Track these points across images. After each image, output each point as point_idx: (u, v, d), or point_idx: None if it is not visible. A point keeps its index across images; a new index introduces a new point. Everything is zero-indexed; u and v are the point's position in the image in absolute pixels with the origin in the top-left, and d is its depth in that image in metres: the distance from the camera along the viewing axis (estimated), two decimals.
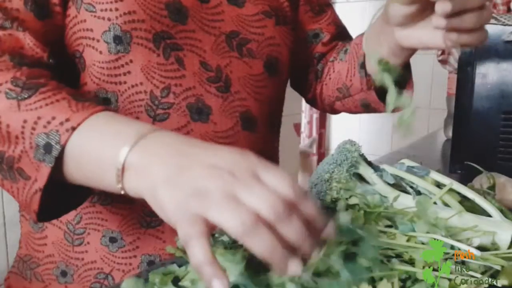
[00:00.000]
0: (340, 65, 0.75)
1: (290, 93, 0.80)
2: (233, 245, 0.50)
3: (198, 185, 0.36)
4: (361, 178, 0.55)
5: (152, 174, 0.39)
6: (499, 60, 0.81)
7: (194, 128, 0.61)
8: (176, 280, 0.46)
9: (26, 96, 0.47)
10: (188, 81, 0.60)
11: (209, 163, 0.38)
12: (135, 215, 0.61)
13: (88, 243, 0.62)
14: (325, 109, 0.84)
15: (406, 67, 0.68)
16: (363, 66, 0.69)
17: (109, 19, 0.55)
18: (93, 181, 0.46)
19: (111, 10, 0.55)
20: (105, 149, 0.43)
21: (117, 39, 0.56)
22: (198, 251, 0.35)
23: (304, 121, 2.57)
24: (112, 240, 0.62)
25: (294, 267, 0.36)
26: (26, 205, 0.48)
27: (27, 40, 0.53)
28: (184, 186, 0.37)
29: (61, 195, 0.50)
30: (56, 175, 0.46)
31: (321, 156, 2.57)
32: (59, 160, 0.45)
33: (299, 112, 2.55)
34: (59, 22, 0.57)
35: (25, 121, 0.46)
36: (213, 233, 0.53)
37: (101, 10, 0.55)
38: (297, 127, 2.56)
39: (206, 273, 0.35)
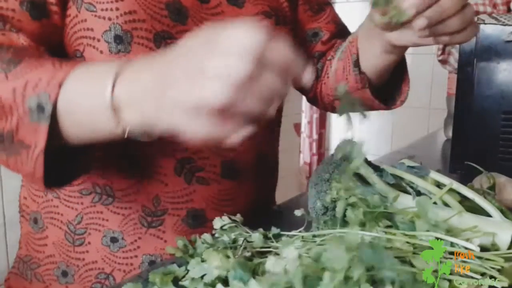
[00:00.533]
0: (337, 63, 0.75)
1: (290, 93, 0.80)
2: (233, 245, 0.50)
3: (166, 80, 0.38)
4: (361, 178, 0.55)
5: (135, 100, 0.41)
6: (499, 60, 0.81)
7: None
8: (176, 280, 0.46)
9: (12, 68, 0.47)
10: None
11: (170, 57, 0.39)
12: (136, 215, 0.61)
13: (89, 243, 0.62)
14: (326, 108, 0.85)
15: (401, 64, 0.69)
16: (356, 64, 0.69)
17: (109, 19, 0.55)
18: (93, 132, 0.46)
19: (111, 9, 0.55)
20: (91, 96, 0.44)
21: (118, 39, 0.56)
22: (194, 129, 0.37)
23: (304, 121, 2.57)
24: (113, 240, 0.62)
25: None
26: (32, 176, 0.48)
27: (21, 40, 0.53)
28: (156, 89, 0.39)
29: (67, 162, 0.51)
30: (57, 140, 0.47)
31: (322, 156, 2.57)
32: (55, 121, 0.46)
33: (299, 112, 2.55)
34: (57, 22, 0.57)
35: (14, 89, 0.46)
36: (213, 233, 0.53)
37: (102, 10, 0.55)
38: (297, 127, 2.56)
39: (215, 137, 0.38)
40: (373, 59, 0.67)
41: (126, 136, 0.44)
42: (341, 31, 0.81)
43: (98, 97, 0.43)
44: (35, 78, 0.46)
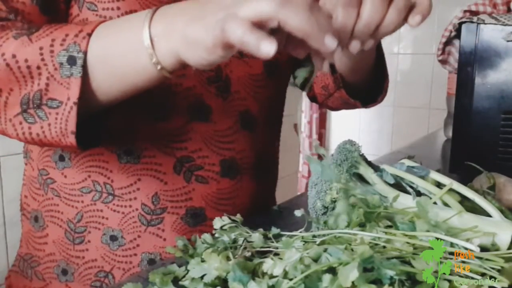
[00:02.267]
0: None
1: (290, 93, 0.80)
2: (233, 245, 0.50)
3: (221, 4, 0.39)
4: (361, 178, 0.55)
5: (178, 26, 0.42)
6: (499, 60, 0.81)
7: (194, 127, 0.61)
8: (176, 280, 0.46)
9: (34, 31, 0.48)
10: (188, 80, 0.60)
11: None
12: (135, 213, 0.61)
13: (89, 241, 0.62)
14: (323, 106, 0.86)
15: (380, 61, 0.70)
16: (332, 65, 0.70)
17: (110, 18, 0.55)
18: (128, 76, 0.47)
19: (112, 9, 0.55)
20: (127, 38, 0.45)
21: None
22: (235, 27, 0.37)
23: (304, 121, 2.57)
24: (113, 238, 0.62)
25: (330, 41, 0.39)
26: (62, 134, 0.48)
27: None
28: (209, 12, 0.40)
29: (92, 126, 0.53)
30: (86, 98, 0.47)
31: (321, 156, 2.57)
32: (86, 72, 0.46)
33: (299, 112, 2.55)
34: (63, 20, 0.57)
35: (41, 48, 0.46)
36: (213, 233, 0.53)
37: (103, 9, 0.55)
38: (297, 127, 2.56)
39: (251, 41, 0.37)
40: (343, 59, 0.67)
41: (160, 71, 0.45)
42: None
43: (135, 34, 0.44)
44: (61, 34, 0.47)
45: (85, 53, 0.45)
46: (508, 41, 0.80)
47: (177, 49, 0.43)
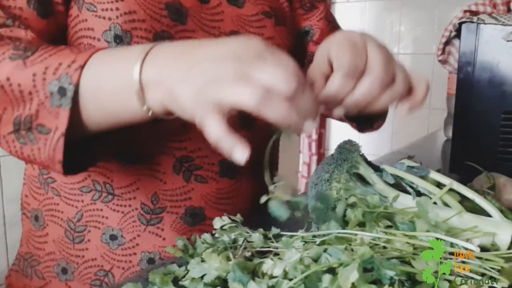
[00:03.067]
0: None
1: None
2: (233, 245, 0.50)
3: (210, 75, 0.39)
4: (361, 178, 0.55)
5: (167, 80, 0.42)
6: (499, 60, 0.81)
7: (193, 127, 0.61)
8: (176, 280, 0.46)
9: (29, 54, 0.48)
10: None
11: (217, 54, 0.40)
12: (135, 212, 0.61)
13: (89, 240, 0.63)
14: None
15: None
16: None
17: (109, 19, 0.55)
18: (118, 114, 0.47)
19: (111, 9, 0.55)
20: (118, 75, 0.45)
21: (118, 39, 0.56)
22: (214, 126, 0.38)
23: None
24: (112, 237, 0.62)
25: (309, 127, 0.41)
26: (50, 160, 0.48)
27: (29, 37, 0.54)
28: (197, 79, 0.40)
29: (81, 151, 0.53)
30: (77, 127, 0.48)
31: (321, 156, 2.57)
32: (76, 104, 0.46)
33: None
34: (62, 22, 0.57)
35: (34, 75, 0.47)
36: (213, 233, 0.53)
37: (102, 10, 0.55)
38: None
39: (225, 145, 0.38)
40: None
41: (150, 115, 0.45)
42: (333, 29, 0.80)
43: (125, 75, 0.44)
44: (55, 63, 0.46)
45: (76, 86, 0.45)
46: (508, 41, 0.80)
47: (165, 102, 0.43)
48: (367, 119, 0.73)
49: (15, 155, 0.50)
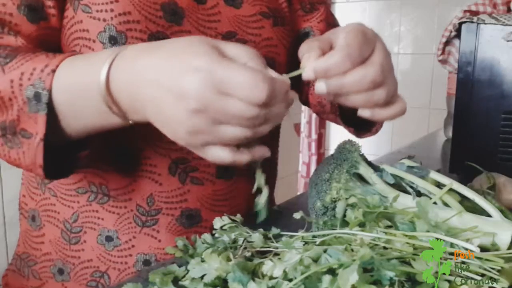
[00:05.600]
0: None
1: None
2: (233, 245, 0.50)
3: (184, 129, 0.42)
4: (361, 178, 0.55)
5: (136, 107, 0.44)
6: (499, 60, 0.81)
7: None
8: (176, 280, 0.46)
9: (8, 61, 0.49)
10: None
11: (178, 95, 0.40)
12: (130, 214, 0.61)
13: (85, 241, 0.62)
14: (317, 114, 0.84)
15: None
16: None
17: (104, 20, 0.55)
18: (87, 120, 0.48)
19: (106, 11, 0.55)
20: (86, 79, 0.45)
21: (113, 40, 0.56)
22: (217, 156, 0.43)
23: (304, 121, 2.57)
24: (108, 239, 0.62)
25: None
26: (33, 165, 0.49)
27: (19, 43, 0.54)
28: (171, 129, 0.44)
29: (67, 155, 0.53)
30: (59, 130, 0.48)
31: (321, 156, 2.57)
32: (52, 109, 0.47)
33: (299, 112, 2.55)
34: (55, 24, 0.57)
35: (12, 81, 0.47)
36: (213, 233, 0.53)
37: (97, 11, 0.55)
38: (297, 127, 2.56)
39: (242, 160, 0.44)
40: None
41: (121, 122, 0.46)
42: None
43: (93, 79, 0.44)
44: (29, 68, 0.47)
45: (49, 91, 0.46)
46: (508, 41, 0.80)
47: (128, 108, 0.45)
48: (363, 124, 0.72)
49: (4, 158, 0.51)
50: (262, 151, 0.46)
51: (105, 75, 0.43)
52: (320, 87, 0.48)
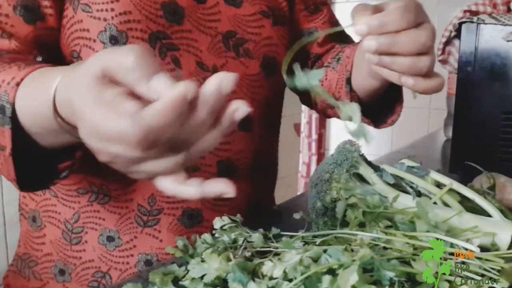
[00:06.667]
0: (332, 73, 0.74)
1: (290, 93, 0.80)
2: (233, 245, 0.50)
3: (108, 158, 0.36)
4: (361, 178, 0.55)
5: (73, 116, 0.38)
6: (499, 60, 0.81)
7: None
8: (176, 280, 0.46)
9: None
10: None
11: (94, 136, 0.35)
12: (131, 214, 0.61)
13: (86, 242, 0.62)
14: (319, 112, 0.84)
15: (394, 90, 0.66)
16: (349, 81, 0.67)
17: (105, 19, 0.55)
18: (52, 136, 0.45)
19: (107, 10, 0.55)
20: (36, 98, 0.43)
21: (113, 39, 0.56)
22: (162, 187, 0.37)
23: (304, 121, 2.57)
24: (109, 239, 0.62)
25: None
26: (9, 176, 0.48)
27: (13, 46, 0.54)
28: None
29: (46, 164, 0.50)
30: (31, 144, 0.46)
31: (321, 156, 2.57)
32: (17, 122, 0.45)
33: (299, 112, 2.55)
34: (53, 24, 0.57)
35: None
36: (213, 233, 0.53)
37: (97, 11, 0.55)
38: (297, 127, 2.56)
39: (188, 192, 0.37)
40: (361, 80, 0.65)
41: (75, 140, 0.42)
42: (337, 33, 0.80)
43: (42, 99, 0.41)
44: (0, 80, 0.46)
45: (12, 104, 0.44)
46: (508, 41, 0.80)
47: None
48: (379, 115, 0.72)
49: None
50: (220, 188, 0.39)
51: (51, 101, 0.40)
52: (370, 44, 0.46)
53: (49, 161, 0.50)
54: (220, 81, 0.34)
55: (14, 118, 0.45)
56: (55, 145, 0.48)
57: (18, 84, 0.45)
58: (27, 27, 0.55)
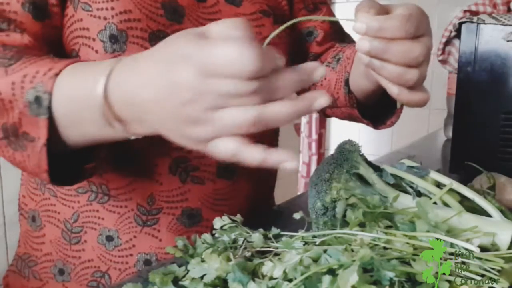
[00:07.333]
0: (332, 73, 0.74)
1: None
2: (233, 245, 0.50)
3: (181, 118, 0.37)
4: (361, 178, 0.55)
5: (135, 108, 0.40)
6: (499, 60, 0.81)
7: None
8: (176, 280, 0.46)
9: (12, 62, 0.47)
10: None
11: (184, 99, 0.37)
12: (131, 213, 0.61)
13: (85, 241, 0.62)
14: (318, 112, 0.84)
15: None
16: (347, 83, 0.67)
17: (105, 18, 0.55)
18: (89, 131, 0.45)
19: (107, 9, 0.55)
20: (83, 90, 0.43)
21: (113, 38, 0.56)
22: (224, 149, 0.38)
23: (304, 121, 2.57)
24: (109, 238, 0.62)
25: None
26: (38, 169, 0.48)
27: (25, 40, 0.53)
28: (170, 125, 0.39)
29: (73, 163, 0.51)
30: (58, 140, 0.47)
31: (321, 156, 2.57)
32: (53, 113, 0.45)
33: None
34: (58, 23, 0.57)
35: (13, 83, 0.46)
36: (213, 233, 0.53)
37: (97, 9, 0.55)
38: (297, 127, 2.56)
39: (253, 155, 0.38)
40: (359, 81, 0.64)
41: (116, 136, 0.43)
42: (336, 32, 0.80)
43: (89, 91, 0.42)
44: (32, 71, 0.46)
45: (50, 94, 0.45)
46: (508, 41, 0.80)
47: (128, 120, 0.42)
48: (378, 116, 0.71)
49: (9, 160, 0.50)
50: (283, 157, 0.39)
51: (102, 88, 0.41)
52: (363, 44, 0.46)
53: (71, 161, 0.51)
54: (320, 68, 0.38)
55: (50, 108, 0.45)
56: (80, 142, 0.48)
57: (56, 75, 0.45)
58: (36, 24, 0.55)
